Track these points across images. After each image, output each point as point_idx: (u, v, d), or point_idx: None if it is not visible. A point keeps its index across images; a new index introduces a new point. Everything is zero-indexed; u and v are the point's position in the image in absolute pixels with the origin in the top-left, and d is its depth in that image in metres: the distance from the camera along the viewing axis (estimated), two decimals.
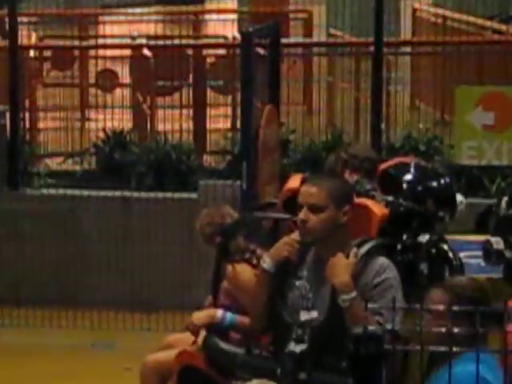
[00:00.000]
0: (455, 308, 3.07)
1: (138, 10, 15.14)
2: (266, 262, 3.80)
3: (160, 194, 8.48)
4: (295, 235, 3.75)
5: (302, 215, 3.61)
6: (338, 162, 5.19)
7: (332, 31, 12.10)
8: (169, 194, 8.51)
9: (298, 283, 3.77)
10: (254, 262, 4.58)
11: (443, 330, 3.14)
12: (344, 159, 5.22)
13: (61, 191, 8.76)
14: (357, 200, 3.94)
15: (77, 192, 8.67)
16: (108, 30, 12.54)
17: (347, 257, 3.62)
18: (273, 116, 7.09)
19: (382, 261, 3.73)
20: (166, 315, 7.63)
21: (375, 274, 3.68)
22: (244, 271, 4.56)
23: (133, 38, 11.00)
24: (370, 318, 3.42)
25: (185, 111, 9.72)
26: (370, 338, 2.82)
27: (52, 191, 8.80)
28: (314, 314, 3.68)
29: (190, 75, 9.96)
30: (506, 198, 4.31)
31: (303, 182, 3.97)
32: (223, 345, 4.00)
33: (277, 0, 13.97)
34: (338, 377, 3.49)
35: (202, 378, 4.33)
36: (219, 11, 13.96)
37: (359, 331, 2.89)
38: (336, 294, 3.56)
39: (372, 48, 8.26)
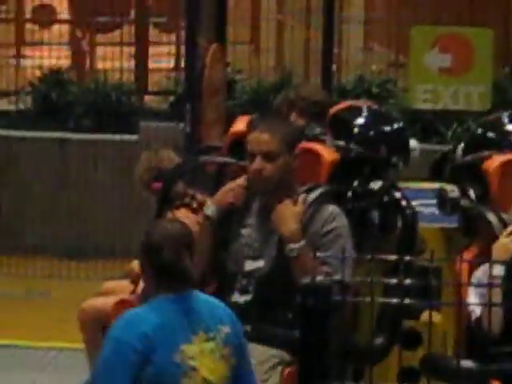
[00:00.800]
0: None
1: None
2: (210, 209, 3.78)
3: (99, 136, 8.57)
4: (241, 181, 3.70)
5: (256, 165, 3.57)
6: (284, 103, 5.11)
7: None
8: (108, 136, 8.59)
9: (243, 231, 3.77)
10: (195, 206, 4.63)
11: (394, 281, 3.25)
12: (291, 101, 5.12)
13: None
14: (306, 144, 3.84)
15: (12, 133, 8.68)
16: None
17: (295, 204, 3.61)
18: (219, 55, 7.01)
19: (332, 208, 3.71)
20: (104, 263, 7.62)
21: (324, 222, 3.67)
22: (185, 217, 4.46)
23: None
24: (319, 269, 3.41)
25: (126, 49, 9.71)
26: (318, 289, 2.84)
27: None
28: (260, 263, 3.69)
29: (132, 11, 9.87)
30: (462, 145, 4.22)
31: (250, 124, 3.89)
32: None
33: None
34: (283, 329, 3.60)
35: None
36: None
37: (307, 282, 2.91)
38: (283, 243, 3.58)
39: None
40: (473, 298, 3.73)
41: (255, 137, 3.62)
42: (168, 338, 2.58)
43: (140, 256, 2.91)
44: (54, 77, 9.12)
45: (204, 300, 2.85)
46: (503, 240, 3.70)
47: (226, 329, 2.80)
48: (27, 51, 10.37)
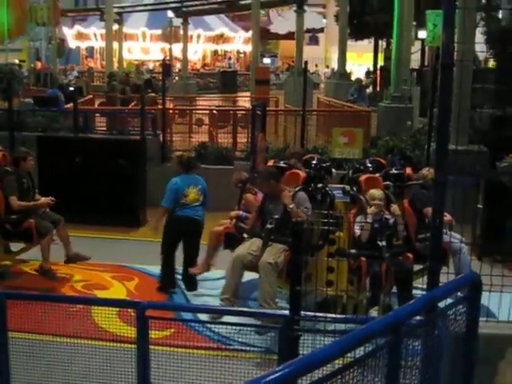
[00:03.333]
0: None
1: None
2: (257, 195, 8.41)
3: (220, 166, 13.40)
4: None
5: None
6: (288, 154, 9.77)
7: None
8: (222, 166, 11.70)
9: (269, 205, 8.29)
10: (253, 193, 8.94)
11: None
12: (291, 153, 9.80)
13: None
14: (294, 170, 8.72)
15: None
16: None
17: (288, 192, 8.03)
18: (263, 138, 12.31)
19: (301, 193, 8.20)
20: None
21: (299, 197, 8.08)
22: (249, 196, 8.92)
23: None
24: (301, 215, 7.70)
25: None
26: (300, 222, 6.22)
27: None
28: (276, 215, 8.05)
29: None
30: (350, 171, 9.13)
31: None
32: (242, 224, 8.68)
33: None
34: (285, 239, 7.59)
35: (233, 237, 8.64)
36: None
37: (296, 220, 6.57)
38: (286, 206, 7.90)
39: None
40: (356, 227, 7.90)
41: None
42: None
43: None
44: None
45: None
46: (369, 209, 8.09)
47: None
48: None
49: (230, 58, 47.44)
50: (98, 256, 10.28)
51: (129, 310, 5.95)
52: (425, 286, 5.02)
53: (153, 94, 21.17)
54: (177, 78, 34.13)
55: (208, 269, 8.98)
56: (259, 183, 8.66)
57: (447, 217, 7.52)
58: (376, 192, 7.97)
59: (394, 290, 7.73)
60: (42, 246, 9.27)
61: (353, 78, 28.26)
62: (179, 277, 9.33)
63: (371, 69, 36.89)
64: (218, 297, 8.09)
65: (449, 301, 3.76)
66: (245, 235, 8.53)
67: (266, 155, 11.65)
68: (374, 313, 7.32)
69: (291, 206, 7.94)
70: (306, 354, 2.98)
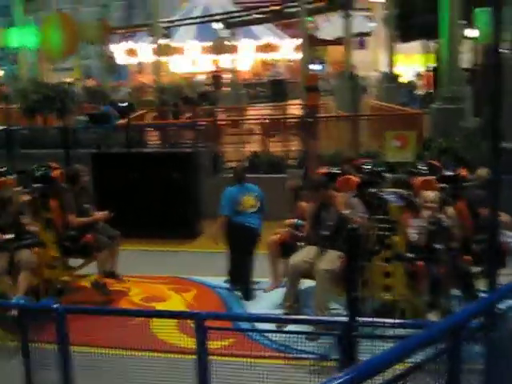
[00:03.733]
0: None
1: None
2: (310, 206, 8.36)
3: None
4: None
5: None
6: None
7: None
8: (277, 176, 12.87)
9: (322, 213, 8.28)
10: (307, 201, 8.88)
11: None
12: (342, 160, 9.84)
13: None
14: (347, 176, 8.71)
15: None
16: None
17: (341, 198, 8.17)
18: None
19: (354, 199, 8.20)
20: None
21: (352, 203, 8.10)
22: (303, 204, 8.93)
23: None
24: (357, 220, 7.67)
25: None
26: (354, 228, 6.36)
27: None
28: (330, 222, 8.09)
29: None
30: (404, 175, 9.08)
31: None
32: (297, 232, 8.66)
33: None
34: (342, 246, 7.58)
35: (289, 246, 8.64)
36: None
37: (352, 226, 6.64)
38: (340, 212, 7.99)
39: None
40: (412, 231, 7.81)
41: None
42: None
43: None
44: None
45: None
46: (424, 213, 8.19)
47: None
48: None
49: (275, 67, 47.51)
50: (155, 268, 10.41)
51: (188, 321, 5.99)
52: (484, 288, 4.97)
53: (209, 106, 21.42)
54: (227, 88, 34.31)
55: (281, 281, 8.91)
56: (309, 194, 8.64)
57: (504, 217, 7.43)
58: (430, 194, 7.91)
59: (454, 292, 7.63)
60: (98, 260, 9.42)
61: (402, 80, 28.10)
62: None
63: (420, 70, 36.59)
64: (275, 305, 8.10)
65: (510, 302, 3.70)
66: (300, 243, 8.51)
67: (318, 162, 11.60)
68: (433, 317, 7.23)
69: (345, 212, 7.92)
70: (365, 359, 2.96)
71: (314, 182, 8.54)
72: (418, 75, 37.78)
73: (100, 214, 9.78)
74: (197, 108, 21.75)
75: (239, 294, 9.30)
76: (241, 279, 9.40)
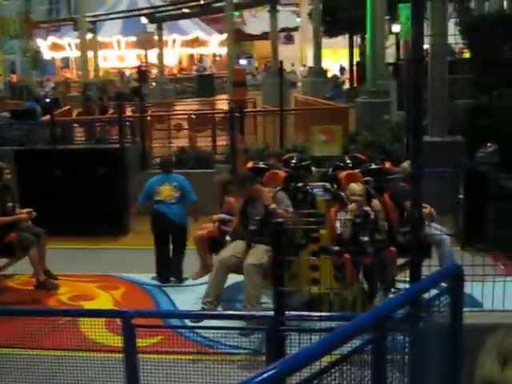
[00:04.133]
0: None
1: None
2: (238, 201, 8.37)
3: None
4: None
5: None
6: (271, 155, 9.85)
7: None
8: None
9: (249, 208, 8.25)
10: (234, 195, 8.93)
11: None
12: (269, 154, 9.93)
13: None
14: (274, 170, 8.74)
15: None
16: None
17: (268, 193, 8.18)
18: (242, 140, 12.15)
19: (280, 192, 8.25)
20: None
21: (279, 197, 8.15)
22: (231, 199, 8.97)
23: None
24: (282, 214, 7.72)
25: None
26: (280, 223, 6.27)
27: None
28: (257, 217, 8.05)
29: None
30: (330, 168, 9.17)
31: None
32: (225, 227, 8.64)
33: None
34: (269, 240, 7.12)
35: (217, 241, 8.66)
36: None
37: (277, 220, 6.42)
38: (267, 207, 7.98)
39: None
40: (338, 224, 7.92)
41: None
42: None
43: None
44: None
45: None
46: (350, 206, 8.11)
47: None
48: None
49: (201, 62, 47.39)
50: (83, 266, 10.28)
51: (116, 319, 5.93)
52: (408, 279, 5.05)
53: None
54: (154, 83, 34.05)
55: (209, 270, 8.88)
56: (235, 189, 8.64)
57: (428, 208, 7.58)
58: (356, 187, 7.97)
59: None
60: (30, 259, 9.28)
61: (329, 74, 28.37)
62: (165, 283, 9.34)
63: (346, 65, 37.02)
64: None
65: (432, 293, 3.75)
66: (227, 238, 8.50)
67: (245, 156, 11.63)
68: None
69: (272, 207, 7.95)
70: (292, 353, 2.97)
71: (241, 177, 8.54)
72: (342, 69, 38.20)
73: (23, 213, 9.59)
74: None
75: (167, 290, 9.24)
76: (165, 270, 9.58)
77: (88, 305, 8.87)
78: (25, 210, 9.62)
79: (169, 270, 9.59)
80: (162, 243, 9.65)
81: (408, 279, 5.12)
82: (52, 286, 9.42)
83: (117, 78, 32.91)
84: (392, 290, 7.55)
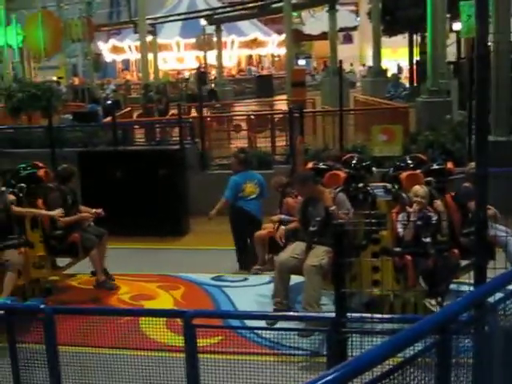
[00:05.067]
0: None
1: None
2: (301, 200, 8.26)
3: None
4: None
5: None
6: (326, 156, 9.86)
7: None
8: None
9: (310, 208, 8.15)
10: (294, 196, 8.99)
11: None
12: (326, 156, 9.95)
13: None
14: (334, 171, 8.67)
15: None
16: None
17: (329, 194, 8.03)
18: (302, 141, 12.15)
19: (341, 194, 8.11)
20: None
21: (339, 198, 7.98)
22: (290, 200, 9.04)
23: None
24: (342, 217, 7.57)
25: None
26: (341, 224, 6.25)
27: None
28: (318, 217, 7.96)
29: None
30: (391, 169, 9.05)
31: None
32: (287, 226, 8.59)
33: None
34: (328, 241, 7.43)
35: (276, 242, 8.69)
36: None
37: (338, 222, 6.69)
38: (327, 209, 7.84)
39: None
40: (399, 226, 7.77)
41: None
42: None
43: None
44: None
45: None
46: (412, 207, 7.85)
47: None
48: None
49: (251, 63, 47.46)
50: (144, 267, 10.36)
51: (176, 319, 5.96)
52: (472, 281, 4.95)
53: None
54: (213, 85, 34.25)
55: (265, 264, 9.26)
56: (296, 188, 8.62)
57: (491, 210, 7.41)
58: (419, 189, 7.85)
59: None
60: (91, 259, 9.42)
61: (389, 74, 28.11)
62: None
63: (404, 64, 36.65)
64: (265, 302, 8.08)
65: (498, 296, 3.67)
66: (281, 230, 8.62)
67: (305, 157, 11.60)
68: (432, 306, 7.23)
69: (333, 208, 7.88)
70: (354, 356, 2.94)
71: (302, 176, 8.48)
72: (399, 68, 37.77)
73: (87, 213, 9.72)
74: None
75: (228, 291, 9.28)
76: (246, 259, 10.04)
77: (149, 304, 8.93)
78: (93, 210, 9.73)
79: (249, 258, 9.96)
80: (240, 236, 10.21)
81: (472, 281, 5.02)
82: (111, 286, 9.54)
83: (168, 80, 33.27)
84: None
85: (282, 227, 8.59)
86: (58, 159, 12.87)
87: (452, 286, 7.57)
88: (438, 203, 7.99)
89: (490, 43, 11.28)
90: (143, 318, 6.61)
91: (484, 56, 4.26)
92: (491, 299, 3.62)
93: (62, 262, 9.91)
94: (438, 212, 7.87)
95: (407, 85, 28.99)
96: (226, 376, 5.48)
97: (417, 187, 7.88)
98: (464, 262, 7.67)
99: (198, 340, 5.31)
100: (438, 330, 3.11)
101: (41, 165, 10.33)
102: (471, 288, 5.14)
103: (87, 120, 18.55)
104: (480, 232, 4.39)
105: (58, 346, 5.73)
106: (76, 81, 36.96)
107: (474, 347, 3.56)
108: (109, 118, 16.27)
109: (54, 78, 37.70)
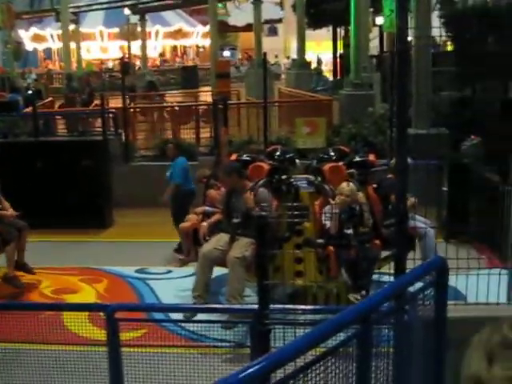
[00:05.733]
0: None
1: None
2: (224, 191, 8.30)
3: None
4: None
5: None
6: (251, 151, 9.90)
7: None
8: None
9: (233, 200, 8.19)
10: (217, 188, 9.00)
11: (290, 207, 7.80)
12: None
13: None
14: (258, 163, 8.71)
15: None
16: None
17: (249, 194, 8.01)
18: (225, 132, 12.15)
19: (262, 189, 8.07)
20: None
21: (260, 194, 7.95)
22: (213, 192, 9.04)
23: None
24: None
25: None
26: (263, 216, 6.44)
27: None
28: (241, 209, 7.99)
29: None
30: (314, 160, 9.15)
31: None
32: (208, 220, 8.59)
33: None
34: (251, 233, 7.37)
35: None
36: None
37: (258, 214, 6.84)
38: (249, 210, 7.78)
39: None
40: (324, 218, 7.92)
41: None
42: None
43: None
44: None
45: None
46: (337, 199, 7.98)
47: None
48: None
49: (185, 53, 47.28)
50: (66, 260, 10.21)
51: (99, 313, 5.90)
52: (392, 272, 5.04)
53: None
54: (153, 77, 33.90)
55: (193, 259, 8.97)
56: (221, 179, 8.60)
57: (410, 199, 7.55)
58: (345, 187, 7.90)
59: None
60: (6, 253, 9.18)
61: (313, 67, 28.35)
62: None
63: (326, 57, 37.01)
64: (189, 295, 8.05)
65: (417, 286, 3.75)
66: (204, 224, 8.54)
67: (229, 149, 11.62)
68: (354, 299, 7.29)
69: (252, 207, 7.86)
70: (278, 348, 2.95)
71: (228, 168, 8.47)
72: (319, 61, 38.10)
73: (8, 212, 9.47)
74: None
75: (151, 281, 9.23)
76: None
77: (71, 298, 8.82)
78: (10, 212, 9.47)
79: None
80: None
81: (392, 272, 5.12)
82: (19, 284, 9.30)
83: (91, 70, 32.90)
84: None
85: (204, 223, 8.51)
86: None
87: (374, 277, 7.64)
88: (360, 195, 8.09)
89: (410, 38, 11.49)
90: (65, 312, 6.51)
91: (404, 51, 4.34)
92: (411, 289, 3.69)
93: None
94: (360, 203, 7.96)
95: (330, 78, 29.29)
96: (149, 369, 5.45)
97: (343, 185, 7.93)
98: (385, 253, 7.78)
99: (121, 334, 5.25)
100: (360, 320, 3.15)
101: None
102: (392, 278, 5.25)
103: (8, 110, 18.09)
104: (400, 224, 4.47)
105: None
106: None
107: (394, 337, 3.61)
108: (30, 108, 15.92)
109: None
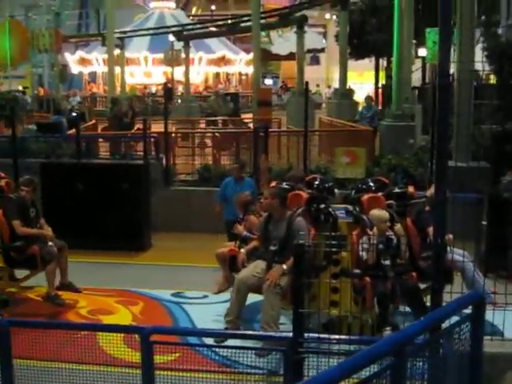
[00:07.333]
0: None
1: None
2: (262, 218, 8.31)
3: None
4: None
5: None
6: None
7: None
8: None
9: (270, 227, 8.21)
10: (257, 215, 9.05)
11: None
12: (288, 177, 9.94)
13: None
14: (297, 192, 8.73)
15: None
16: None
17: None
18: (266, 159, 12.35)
19: (299, 219, 8.02)
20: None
21: (297, 223, 7.94)
22: (253, 218, 9.07)
23: None
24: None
25: None
26: (301, 245, 6.26)
27: None
28: (278, 237, 8.01)
29: None
30: (353, 190, 9.15)
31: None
32: (246, 247, 8.62)
33: None
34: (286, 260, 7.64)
35: (236, 260, 8.53)
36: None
37: (299, 242, 6.64)
38: (290, 230, 7.88)
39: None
40: (360, 249, 7.81)
41: None
42: None
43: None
44: None
45: None
46: (373, 230, 8.00)
47: None
48: None
49: (227, 80, 47.59)
50: (103, 281, 10.30)
51: (134, 335, 5.94)
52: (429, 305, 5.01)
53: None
54: (179, 100, 34.22)
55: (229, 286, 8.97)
56: (265, 197, 8.57)
57: (448, 236, 7.49)
58: (384, 215, 7.87)
59: (403, 309, 7.64)
60: (46, 272, 9.32)
61: (355, 97, 28.33)
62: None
63: (370, 87, 36.98)
64: (223, 320, 8.09)
65: (453, 319, 3.73)
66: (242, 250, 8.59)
67: (269, 176, 11.67)
68: (388, 332, 7.25)
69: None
70: (310, 376, 2.96)
71: (276, 189, 8.50)
72: (369, 98, 38.04)
73: (49, 232, 9.61)
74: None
75: (186, 305, 9.25)
76: None
77: (107, 319, 8.87)
78: (50, 231, 9.62)
79: None
80: None
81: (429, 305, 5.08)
82: (60, 302, 9.40)
83: (134, 94, 33.23)
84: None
85: (243, 250, 8.54)
86: (20, 169, 12.72)
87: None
88: (398, 226, 8.07)
89: (452, 71, 11.46)
90: (101, 333, 6.56)
91: (446, 85, 4.34)
92: (446, 323, 3.67)
93: (20, 273, 9.80)
94: (398, 235, 7.93)
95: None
96: None
97: (380, 212, 7.89)
98: (422, 286, 7.72)
99: (155, 356, 5.28)
100: (394, 352, 3.14)
101: (2, 175, 10.24)
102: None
103: (51, 131, 18.41)
104: (437, 256, 4.45)
105: (13, 358, 5.65)
106: (41, 91, 36.69)
107: (428, 370, 3.59)
108: (73, 130, 16.17)
109: (20, 88, 37.41)
